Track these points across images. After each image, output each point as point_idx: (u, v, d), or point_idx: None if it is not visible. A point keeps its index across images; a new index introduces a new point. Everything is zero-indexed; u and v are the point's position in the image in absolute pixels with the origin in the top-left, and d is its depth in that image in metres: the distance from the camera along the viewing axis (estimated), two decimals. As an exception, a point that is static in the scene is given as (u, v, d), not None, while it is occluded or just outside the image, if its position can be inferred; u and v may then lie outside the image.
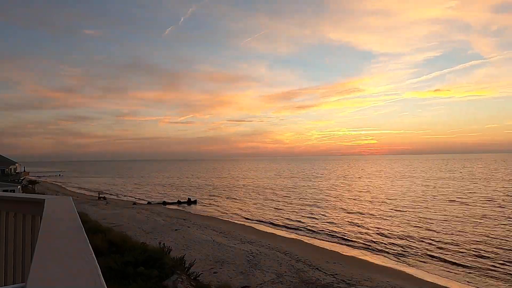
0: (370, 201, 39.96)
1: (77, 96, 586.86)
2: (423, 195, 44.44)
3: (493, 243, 21.13)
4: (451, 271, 16.90)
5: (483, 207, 34.02)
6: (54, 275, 0.86)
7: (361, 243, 22.07)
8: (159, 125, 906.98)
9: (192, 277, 10.93)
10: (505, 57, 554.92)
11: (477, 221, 27.22)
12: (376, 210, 33.60)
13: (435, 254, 19.26)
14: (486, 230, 24.38)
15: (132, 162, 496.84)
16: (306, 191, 52.32)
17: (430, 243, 21.40)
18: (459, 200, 38.85)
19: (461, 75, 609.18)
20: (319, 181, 72.93)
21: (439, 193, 45.96)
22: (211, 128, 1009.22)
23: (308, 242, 22.58)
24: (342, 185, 62.32)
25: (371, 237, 23.29)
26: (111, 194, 53.75)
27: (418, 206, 35.18)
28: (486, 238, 22.24)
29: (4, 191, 9.53)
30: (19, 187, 37.91)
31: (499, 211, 31.40)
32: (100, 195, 47.09)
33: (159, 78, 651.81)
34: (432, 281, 15.50)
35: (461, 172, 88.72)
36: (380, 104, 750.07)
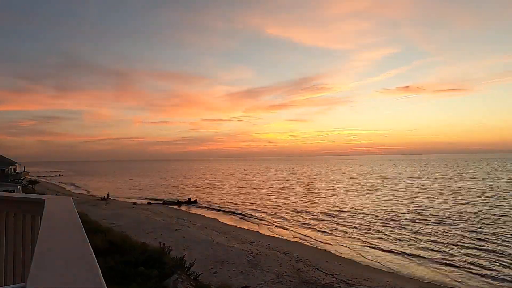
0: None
1: (33, 96, 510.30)
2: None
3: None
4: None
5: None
6: (54, 275, 0.86)
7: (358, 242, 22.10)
8: (134, 125, 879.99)
9: (192, 277, 10.92)
10: (456, 54, 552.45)
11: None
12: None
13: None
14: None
15: (118, 162, 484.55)
16: (306, 192, 52.32)
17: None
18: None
19: (423, 72, 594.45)
20: (317, 181, 72.92)
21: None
22: (191, 129, 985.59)
23: (308, 242, 22.57)
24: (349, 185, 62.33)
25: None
26: (110, 194, 53.64)
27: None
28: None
29: (4, 191, 9.55)
30: (19, 187, 37.94)
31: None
32: (104, 196, 46.91)
33: (108, 78, 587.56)
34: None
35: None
36: (356, 102, 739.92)
